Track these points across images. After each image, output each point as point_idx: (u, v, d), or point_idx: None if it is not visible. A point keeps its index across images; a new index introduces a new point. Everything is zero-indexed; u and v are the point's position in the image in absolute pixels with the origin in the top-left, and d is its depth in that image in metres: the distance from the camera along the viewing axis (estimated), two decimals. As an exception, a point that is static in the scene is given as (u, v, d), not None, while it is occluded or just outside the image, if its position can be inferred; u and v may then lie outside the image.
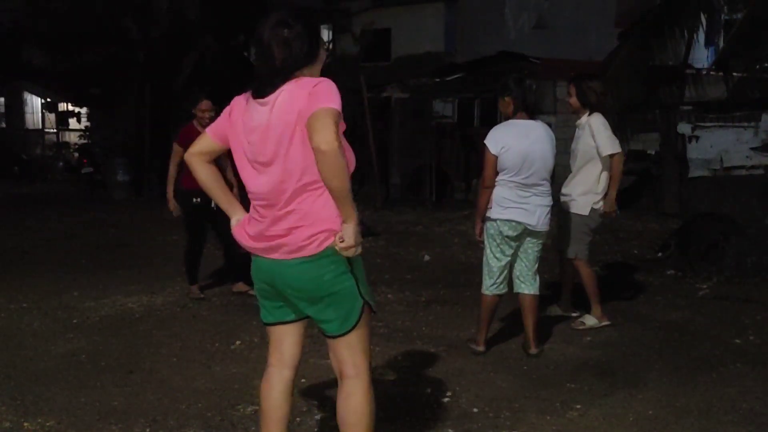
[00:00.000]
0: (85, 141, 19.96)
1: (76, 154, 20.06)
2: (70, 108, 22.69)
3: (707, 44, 15.88)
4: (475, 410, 4.02)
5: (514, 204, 4.76)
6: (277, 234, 2.74)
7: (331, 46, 19.66)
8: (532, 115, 4.88)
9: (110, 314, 6.01)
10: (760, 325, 5.72)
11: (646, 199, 12.78)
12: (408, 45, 21.06)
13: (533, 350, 4.94)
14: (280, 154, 2.68)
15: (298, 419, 3.81)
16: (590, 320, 5.60)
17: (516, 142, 4.72)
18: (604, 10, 18.02)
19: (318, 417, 3.89)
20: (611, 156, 5.40)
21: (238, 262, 6.27)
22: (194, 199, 6.23)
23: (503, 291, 4.96)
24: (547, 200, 4.86)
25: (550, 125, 5.14)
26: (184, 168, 6.14)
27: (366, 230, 9.69)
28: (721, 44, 14.99)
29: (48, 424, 3.84)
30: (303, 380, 4.22)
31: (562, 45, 17.51)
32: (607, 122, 5.52)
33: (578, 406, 4.09)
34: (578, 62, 13.66)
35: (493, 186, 4.80)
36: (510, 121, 4.85)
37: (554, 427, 3.84)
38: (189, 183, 6.09)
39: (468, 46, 20.00)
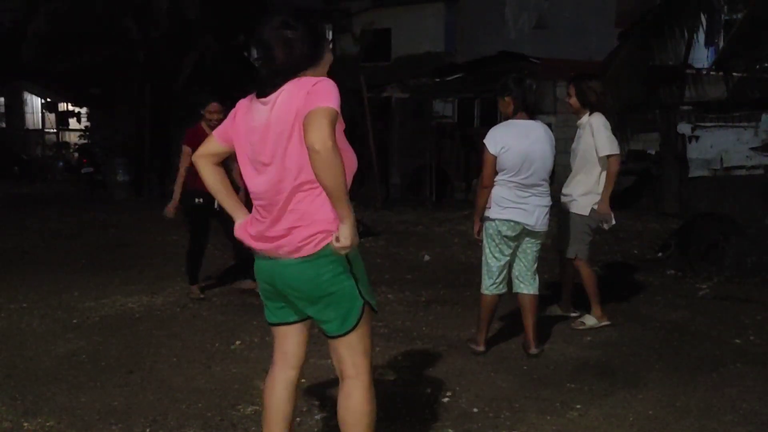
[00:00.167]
0: (85, 141, 19.96)
1: (76, 154, 20.06)
2: (70, 108, 22.69)
3: (707, 44, 15.88)
4: (475, 410, 4.02)
5: (513, 204, 4.76)
6: (277, 235, 2.76)
7: (331, 46, 19.67)
8: (532, 115, 4.88)
9: (110, 314, 6.01)
10: (760, 325, 5.72)
11: (646, 199, 12.78)
12: (408, 45, 21.06)
13: (533, 350, 4.94)
14: (278, 153, 2.70)
15: (298, 419, 3.80)
16: (590, 320, 5.60)
17: (516, 142, 4.72)
18: (604, 10, 18.03)
19: (318, 417, 3.89)
20: (608, 157, 5.41)
21: (248, 260, 6.27)
22: (196, 200, 6.23)
23: (503, 291, 4.96)
24: (546, 200, 4.86)
25: (549, 125, 5.14)
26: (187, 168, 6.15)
27: (366, 230, 9.70)
28: (721, 44, 14.99)
29: (48, 424, 3.84)
30: (303, 380, 4.19)
31: (562, 45, 17.52)
32: (608, 122, 5.52)
33: (578, 406, 4.09)
34: (578, 62, 13.67)
35: (491, 186, 4.80)
36: (510, 121, 4.85)
37: (554, 427, 3.84)
38: (192, 183, 6.11)
39: (468, 46, 20.01)
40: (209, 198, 6.18)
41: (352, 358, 2.86)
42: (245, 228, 2.90)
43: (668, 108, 12.18)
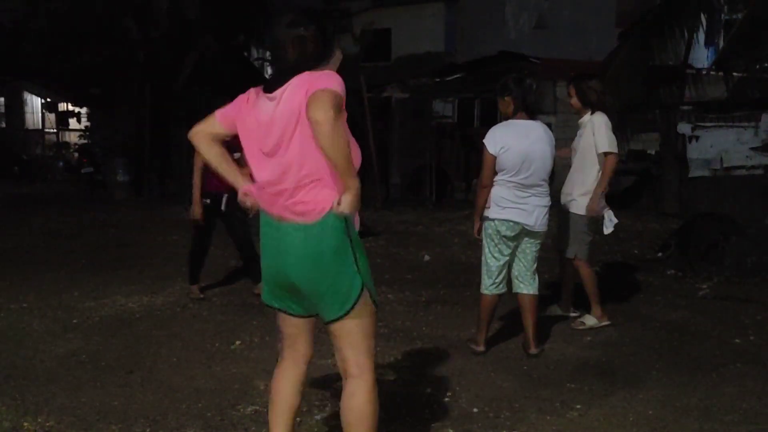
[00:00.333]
0: (85, 141, 19.95)
1: (76, 154, 20.05)
2: (70, 108, 22.69)
3: (707, 44, 15.89)
4: (475, 410, 4.02)
5: (512, 204, 4.76)
6: (284, 209, 2.79)
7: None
8: (532, 115, 4.88)
9: (110, 314, 6.01)
10: (760, 325, 5.72)
11: (646, 199, 12.78)
12: (408, 45, 21.07)
13: (533, 350, 4.94)
14: (282, 146, 2.75)
15: (298, 419, 3.80)
16: (590, 320, 5.60)
17: (515, 142, 4.72)
18: (604, 10, 18.04)
19: (318, 417, 3.89)
20: (606, 154, 5.40)
21: (254, 260, 6.25)
22: (203, 200, 6.22)
23: (502, 291, 4.96)
24: (546, 201, 4.86)
25: (549, 125, 5.14)
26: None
27: (366, 230, 9.70)
28: (721, 44, 15.00)
29: (48, 424, 3.84)
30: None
31: (562, 45, 17.53)
32: (610, 122, 5.52)
33: (578, 406, 4.09)
34: (578, 62, 13.67)
35: (491, 186, 4.80)
36: (509, 121, 4.85)
37: (554, 427, 3.84)
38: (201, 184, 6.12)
39: (468, 46, 20.01)
40: (216, 199, 6.19)
41: (356, 358, 2.86)
42: (251, 187, 2.92)
43: (668, 108, 12.18)
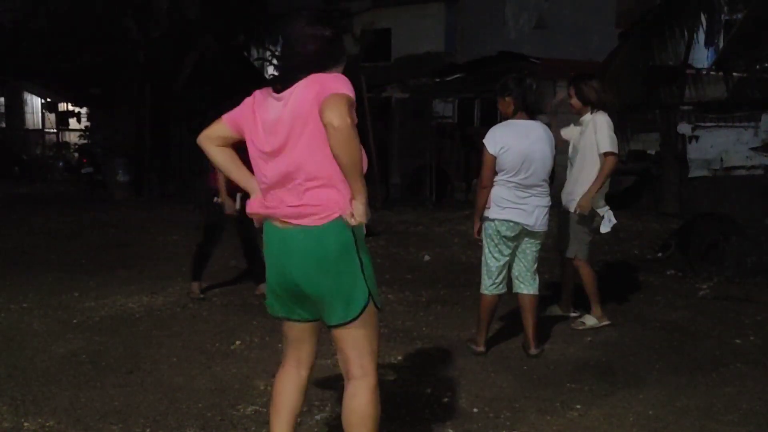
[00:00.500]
0: (85, 141, 19.95)
1: (76, 154, 20.05)
2: (70, 108, 22.69)
3: (707, 44, 15.88)
4: (475, 410, 4.02)
5: (512, 204, 4.76)
6: (291, 205, 2.79)
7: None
8: (532, 115, 4.88)
9: (110, 314, 6.01)
10: (760, 325, 5.72)
11: (646, 199, 12.78)
12: (408, 45, 21.06)
13: (533, 350, 4.93)
14: (288, 146, 2.75)
15: (298, 419, 3.80)
16: (590, 320, 5.60)
17: (515, 142, 4.72)
18: (604, 10, 18.03)
19: (318, 417, 3.89)
20: (606, 155, 5.40)
21: (262, 264, 6.24)
22: (215, 199, 6.21)
23: (502, 291, 4.96)
24: (546, 201, 4.86)
25: (549, 126, 5.13)
26: (209, 167, 6.10)
27: (366, 230, 9.69)
28: (721, 44, 14.99)
29: (48, 424, 3.84)
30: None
31: (562, 45, 17.51)
32: (611, 122, 5.52)
33: (578, 406, 4.09)
34: (578, 62, 13.66)
35: (491, 186, 4.80)
36: (509, 121, 4.85)
37: (554, 427, 3.84)
38: (213, 182, 6.12)
39: (468, 46, 20.00)
40: (229, 198, 6.17)
41: (359, 359, 2.86)
42: (259, 201, 2.92)
43: (668, 108, 12.18)
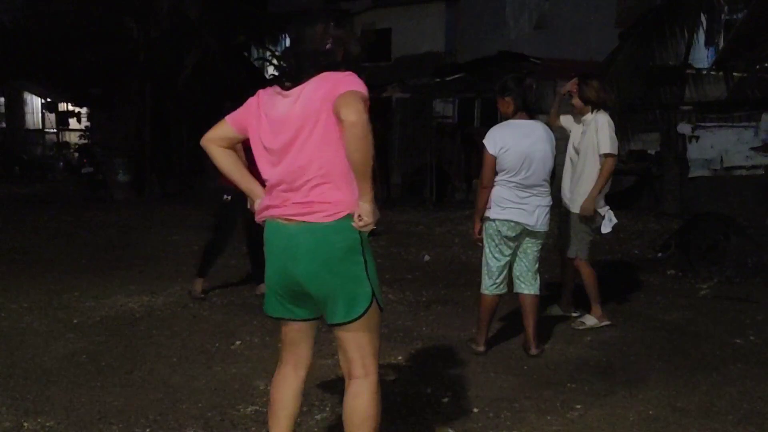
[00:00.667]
0: (85, 141, 19.97)
1: (77, 154, 20.07)
2: (70, 108, 22.70)
3: (707, 44, 15.89)
4: (475, 410, 4.02)
5: (513, 204, 4.76)
6: (297, 202, 2.79)
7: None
8: (532, 115, 4.88)
9: (111, 314, 6.01)
10: (760, 325, 5.72)
11: (646, 199, 12.79)
12: (408, 45, 21.06)
13: (533, 351, 4.93)
14: (298, 143, 2.75)
15: (298, 420, 3.80)
16: (590, 320, 5.60)
17: (515, 142, 4.72)
18: (605, 10, 18.02)
19: (318, 417, 3.89)
20: (605, 156, 5.41)
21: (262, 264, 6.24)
22: (225, 196, 6.21)
23: (503, 291, 4.96)
24: (547, 200, 4.86)
25: (549, 125, 5.14)
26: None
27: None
28: (721, 44, 15.00)
29: (48, 424, 3.84)
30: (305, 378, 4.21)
31: (563, 45, 17.51)
32: (612, 122, 5.52)
33: (578, 406, 4.09)
34: (578, 62, 13.66)
35: (491, 186, 4.80)
36: (509, 121, 4.85)
37: (554, 427, 3.83)
38: (221, 180, 6.10)
39: (468, 46, 19.99)
40: (238, 195, 6.16)
41: (362, 359, 2.85)
42: (264, 205, 2.90)
43: (668, 108, 12.19)
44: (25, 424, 3.84)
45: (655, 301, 6.48)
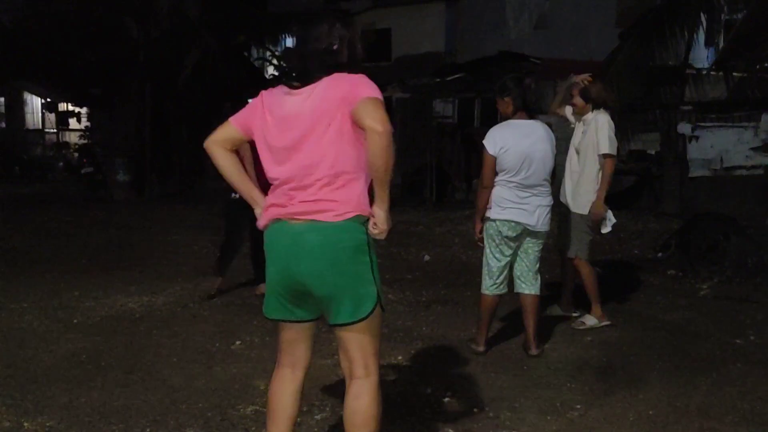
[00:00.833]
0: (85, 141, 19.96)
1: (76, 154, 20.07)
2: (70, 108, 22.69)
3: (707, 44, 15.89)
4: (475, 410, 4.02)
5: (513, 204, 4.76)
6: (305, 200, 2.77)
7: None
8: (531, 114, 4.88)
9: (111, 314, 6.01)
10: (760, 325, 5.72)
11: (646, 199, 12.79)
12: (408, 45, 21.07)
13: (534, 351, 4.93)
14: (309, 141, 2.74)
15: (298, 419, 3.80)
16: (590, 320, 5.60)
17: (515, 142, 4.72)
18: (605, 9, 18.04)
19: (318, 417, 3.89)
20: (604, 156, 5.41)
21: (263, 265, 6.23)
22: (233, 195, 6.21)
23: (503, 291, 4.96)
24: (547, 200, 4.86)
25: (550, 125, 5.14)
26: None
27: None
28: (721, 44, 14.99)
29: (48, 424, 3.84)
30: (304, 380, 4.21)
31: (563, 45, 17.53)
32: (612, 122, 5.53)
33: (578, 406, 4.09)
34: (578, 62, 13.67)
35: (491, 186, 4.80)
36: (509, 121, 4.85)
37: (554, 427, 3.84)
38: None
39: (468, 46, 20.01)
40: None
41: (364, 360, 2.85)
42: (267, 205, 2.88)
43: (668, 108, 12.20)
44: (25, 424, 3.84)
45: (655, 301, 6.48)
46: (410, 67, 19.05)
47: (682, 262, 7.72)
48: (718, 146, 12.31)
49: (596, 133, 5.44)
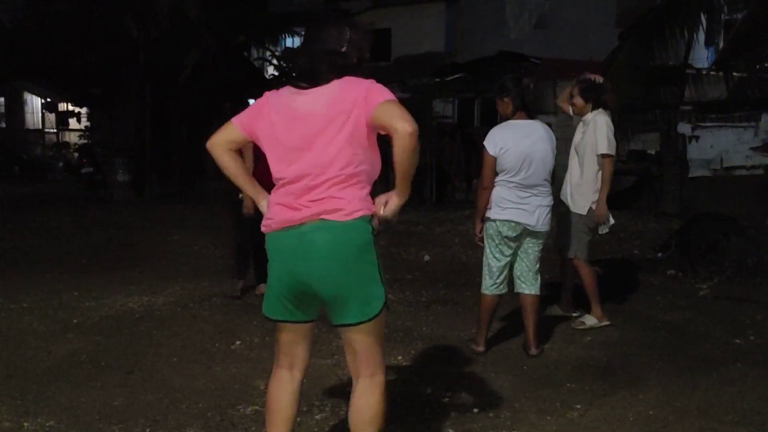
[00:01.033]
0: (85, 141, 19.96)
1: (76, 154, 20.07)
2: (70, 108, 22.70)
3: (707, 44, 15.89)
4: (475, 410, 4.02)
5: (513, 204, 4.76)
6: (313, 200, 2.76)
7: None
8: (531, 114, 4.88)
9: (110, 314, 6.01)
10: (760, 325, 5.72)
11: (646, 199, 12.80)
12: (408, 45, 21.06)
13: (533, 351, 4.93)
14: (320, 140, 2.74)
15: (298, 419, 3.80)
16: (590, 320, 5.60)
17: (515, 142, 4.72)
18: (605, 9, 18.04)
19: (318, 417, 3.89)
20: (603, 156, 5.41)
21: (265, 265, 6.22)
22: (239, 195, 6.21)
23: (503, 291, 4.96)
24: (548, 200, 4.86)
25: (550, 125, 5.14)
26: None
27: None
28: (721, 44, 14.99)
29: (48, 424, 3.84)
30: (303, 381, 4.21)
31: (563, 45, 17.53)
32: (611, 123, 5.53)
33: (578, 406, 4.09)
34: (578, 62, 13.67)
35: (491, 187, 4.80)
36: (509, 121, 4.85)
37: (554, 427, 3.84)
38: None
39: (468, 46, 20.00)
40: None
41: (370, 359, 2.85)
42: (272, 205, 2.86)
43: (668, 108, 12.20)
44: (25, 424, 3.84)
45: (655, 301, 6.48)
46: (410, 67, 19.04)
47: (682, 262, 7.72)
48: (718, 146, 12.31)
49: (595, 133, 5.44)
